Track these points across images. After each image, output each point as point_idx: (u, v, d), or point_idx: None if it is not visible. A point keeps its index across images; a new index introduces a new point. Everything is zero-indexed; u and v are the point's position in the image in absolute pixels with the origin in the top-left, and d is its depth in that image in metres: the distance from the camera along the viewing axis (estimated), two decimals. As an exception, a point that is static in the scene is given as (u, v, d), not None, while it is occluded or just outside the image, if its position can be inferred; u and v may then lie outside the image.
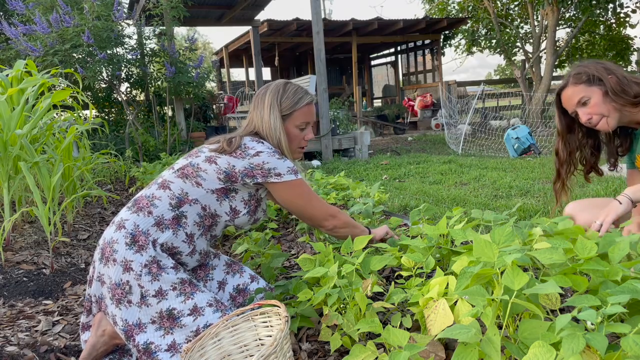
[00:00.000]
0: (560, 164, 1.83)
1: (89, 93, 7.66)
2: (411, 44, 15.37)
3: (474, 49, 13.98)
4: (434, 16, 14.63)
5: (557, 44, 11.37)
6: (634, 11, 12.20)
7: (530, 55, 11.47)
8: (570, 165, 1.83)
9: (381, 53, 17.18)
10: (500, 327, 0.97)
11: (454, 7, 14.76)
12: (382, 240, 1.82)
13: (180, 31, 29.84)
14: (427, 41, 14.59)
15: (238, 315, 1.32)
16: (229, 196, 1.53)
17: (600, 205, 1.70)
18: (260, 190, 1.60)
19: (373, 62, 17.83)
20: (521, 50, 12.41)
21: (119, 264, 1.39)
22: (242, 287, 1.65)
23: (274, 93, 1.59)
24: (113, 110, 8.38)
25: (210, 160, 1.51)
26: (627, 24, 12.73)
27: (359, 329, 1.17)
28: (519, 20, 13.57)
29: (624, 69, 1.59)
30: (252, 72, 14.57)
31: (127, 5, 8.18)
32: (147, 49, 7.32)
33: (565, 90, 1.70)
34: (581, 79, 1.65)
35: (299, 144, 1.64)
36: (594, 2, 10.38)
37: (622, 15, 12.48)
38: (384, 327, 1.11)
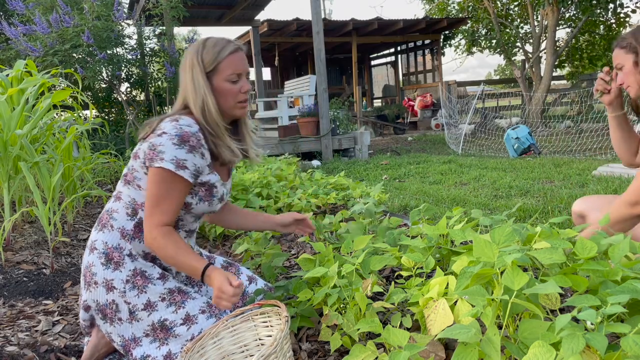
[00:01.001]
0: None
1: (89, 93, 7.66)
2: (411, 44, 15.37)
3: (474, 49, 13.97)
4: (434, 16, 14.63)
5: (557, 44, 11.37)
6: (634, 11, 12.20)
7: (530, 55, 11.47)
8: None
9: (381, 53, 17.18)
10: (500, 327, 0.97)
11: (454, 7, 14.76)
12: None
13: (181, 32, 29.84)
14: (427, 41, 14.59)
15: (238, 316, 1.32)
16: None
17: (610, 202, 1.71)
18: (201, 175, 1.41)
19: (373, 62, 17.83)
20: (521, 50, 12.41)
21: (101, 286, 1.37)
22: None
23: (193, 52, 1.42)
24: (113, 110, 8.38)
25: (135, 156, 1.42)
26: (627, 24, 12.73)
27: (359, 329, 1.17)
28: (519, 20, 13.57)
29: None
30: (252, 72, 14.58)
31: (127, 5, 8.18)
32: (147, 49, 7.32)
33: (613, 50, 1.67)
34: (622, 44, 1.63)
35: (235, 98, 1.43)
36: (594, 2, 10.39)
37: (622, 15, 12.47)
38: (384, 327, 1.11)
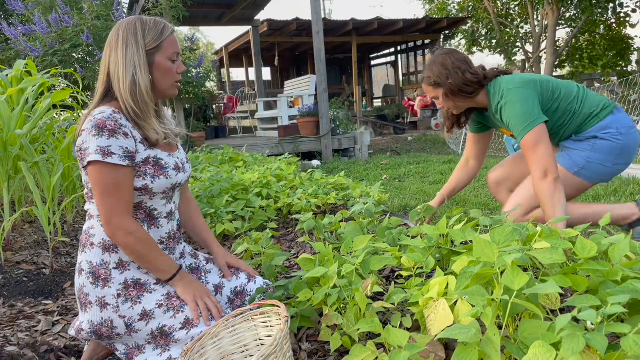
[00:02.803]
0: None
1: (89, 93, 7.65)
2: (411, 44, 15.38)
3: (474, 49, 13.98)
4: (434, 16, 14.64)
5: (557, 43, 11.37)
6: (634, 11, 12.21)
7: (530, 55, 11.48)
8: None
9: (381, 53, 17.19)
10: (500, 327, 0.97)
11: (454, 7, 14.78)
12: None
13: (183, 31, 29.80)
14: (427, 41, 14.60)
15: (238, 316, 1.32)
16: None
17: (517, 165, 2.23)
18: (137, 154, 1.37)
19: (373, 62, 17.83)
20: (521, 50, 12.42)
21: (95, 305, 1.36)
22: (239, 289, 1.62)
23: (129, 29, 1.37)
24: (113, 110, 8.37)
25: (81, 169, 1.37)
26: (627, 24, 12.73)
27: (359, 329, 1.16)
28: (519, 20, 13.58)
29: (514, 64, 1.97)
30: (252, 72, 14.57)
31: (126, 5, 8.18)
32: (147, 48, 7.32)
33: (423, 85, 2.05)
34: (429, 81, 1.97)
35: (173, 78, 1.44)
36: (594, 1, 10.39)
37: (622, 15, 12.48)
38: (384, 327, 1.11)
